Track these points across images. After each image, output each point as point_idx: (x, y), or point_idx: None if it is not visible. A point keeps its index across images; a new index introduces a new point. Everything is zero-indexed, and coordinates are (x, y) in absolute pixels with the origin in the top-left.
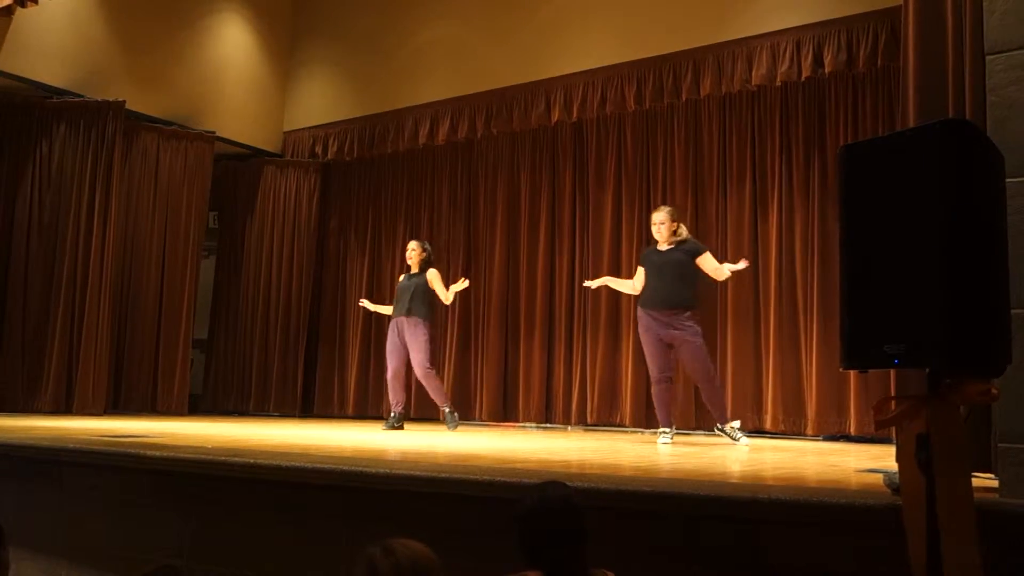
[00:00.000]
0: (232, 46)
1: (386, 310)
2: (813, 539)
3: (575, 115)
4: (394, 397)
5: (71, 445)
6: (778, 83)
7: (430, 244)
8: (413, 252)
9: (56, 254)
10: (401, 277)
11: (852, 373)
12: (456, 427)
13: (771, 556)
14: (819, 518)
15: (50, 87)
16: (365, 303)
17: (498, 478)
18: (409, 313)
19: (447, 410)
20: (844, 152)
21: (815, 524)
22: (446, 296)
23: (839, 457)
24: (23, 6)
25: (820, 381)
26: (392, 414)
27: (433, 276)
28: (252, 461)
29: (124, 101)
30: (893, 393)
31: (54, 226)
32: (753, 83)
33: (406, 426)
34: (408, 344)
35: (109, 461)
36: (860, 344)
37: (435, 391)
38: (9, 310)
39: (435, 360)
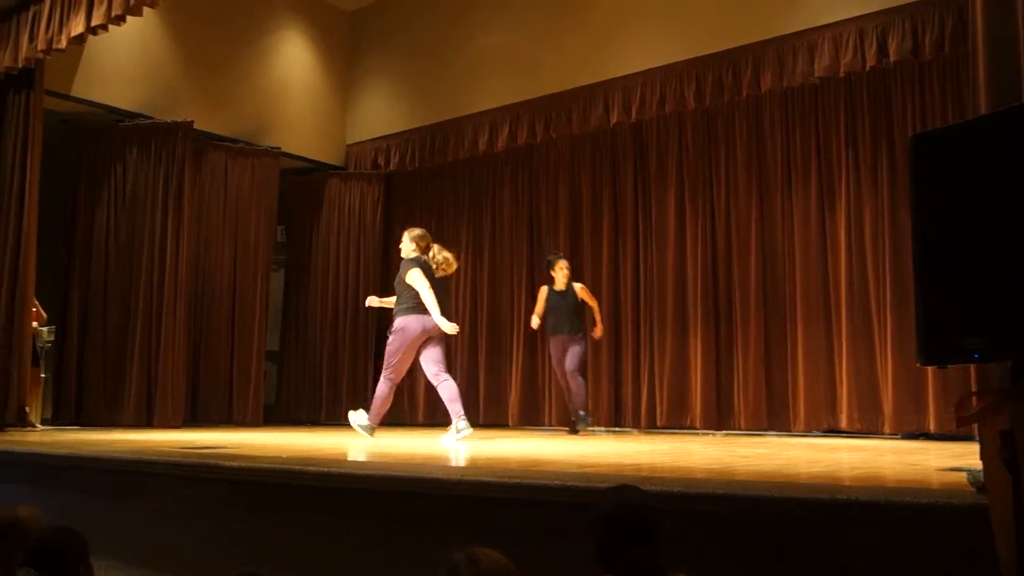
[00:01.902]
0: (293, 63)
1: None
2: (895, 540)
3: (634, 116)
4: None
5: (152, 457)
6: (842, 74)
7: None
8: (566, 270)
9: (133, 273)
10: (545, 290)
11: (930, 369)
12: (583, 431)
13: (851, 558)
14: (901, 519)
15: (122, 111)
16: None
17: (570, 483)
18: (576, 331)
19: (582, 413)
20: (914, 142)
21: (896, 525)
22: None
23: (919, 456)
24: (95, 34)
25: (896, 378)
26: (580, 415)
27: (581, 289)
28: (325, 470)
29: (192, 121)
30: (974, 388)
31: (130, 246)
32: (816, 75)
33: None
34: (567, 354)
35: (189, 472)
36: (937, 338)
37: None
38: (91, 329)
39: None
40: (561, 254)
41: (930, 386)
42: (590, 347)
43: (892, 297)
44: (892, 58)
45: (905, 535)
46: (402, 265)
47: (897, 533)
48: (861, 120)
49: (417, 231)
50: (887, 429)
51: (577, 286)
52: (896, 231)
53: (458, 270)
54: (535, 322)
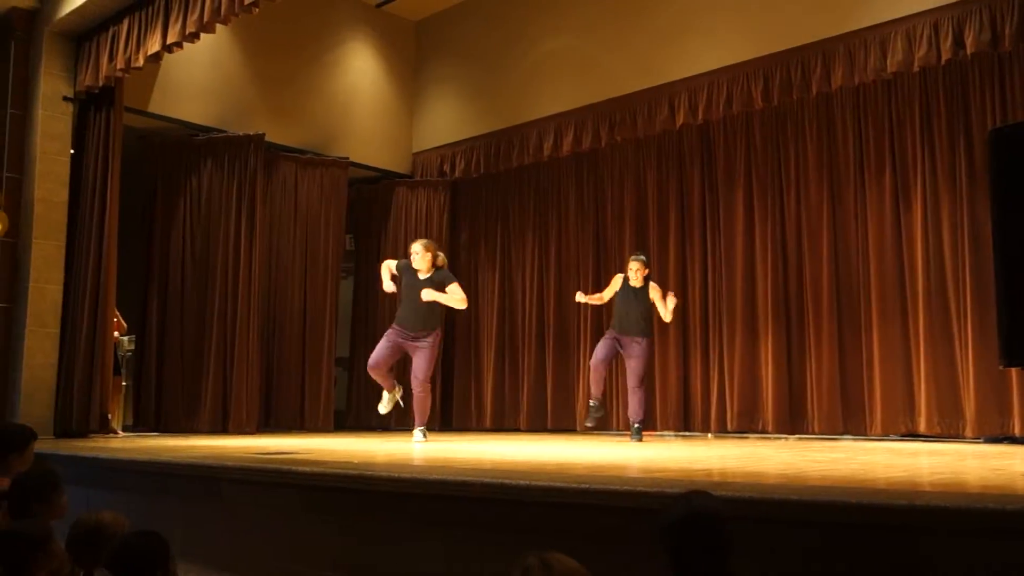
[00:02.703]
0: (360, 74)
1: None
2: (978, 548)
3: (700, 117)
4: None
5: (229, 463)
6: (916, 69)
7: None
8: (635, 271)
9: (208, 283)
10: (619, 279)
11: (1014, 371)
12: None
13: (933, 567)
14: (985, 526)
15: (196, 125)
16: (581, 296)
17: (640, 488)
18: (640, 334)
19: (637, 425)
20: (993, 136)
21: (980, 532)
22: (666, 314)
23: (1003, 460)
24: (170, 51)
25: (978, 380)
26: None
27: (652, 289)
28: (397, 475)
29: (264, 134)
30: None
31: (205, 257)
32: (888, 71)
33: (546, 437)
34: (637, 358)
35: (264, 477)
36: (1020, 340)
37: (640, 404)
38: (169, 338)
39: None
40: (638, 253)
41: (1015, 388)
42: (657, 349)
43: (973, 297)
44: (969, 51)
45: (990, 543)
46: (443, 275)
47: (981, 541)
48: (937, 116)
49: (430, 241)
50: (969, 433)
51: (651, 287)
52: (975, 229)
53: (525, 275)
54: (591, 298)
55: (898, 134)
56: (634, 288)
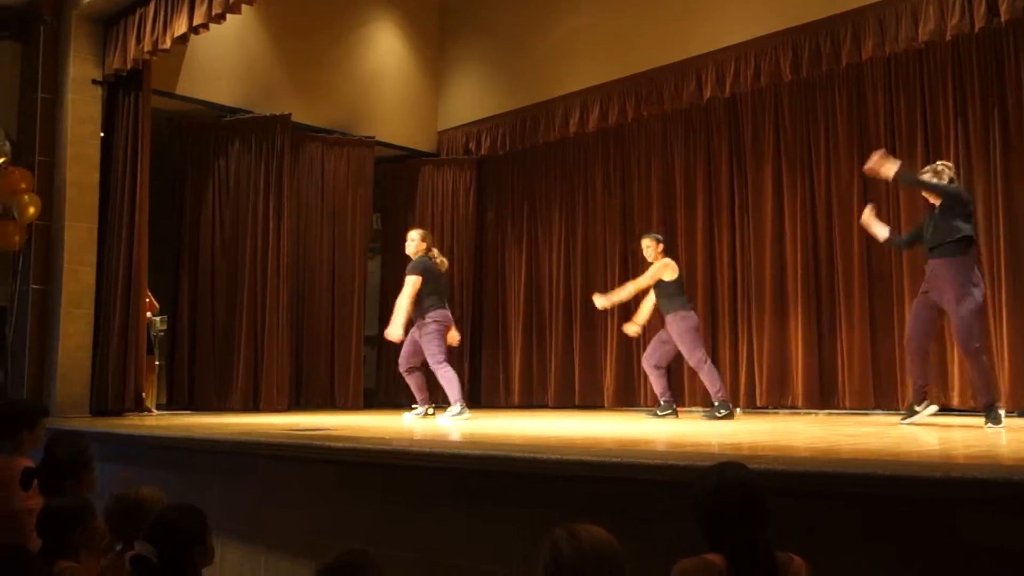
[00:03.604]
0: (385, 53)
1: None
2: (1013, 520)
3: (728, 91)
4: (657, 388)
5: (262, 439)
6: (948, 38)
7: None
8: (645, 249)
9: (238, 263)
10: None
11: None
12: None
13: (966, 538)
14: (1019, 497)
15: (224, 107)
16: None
17: (670, 461)
18: (665, 310)
19: (719, 401)
20: None
21: (1015, 504)
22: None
23: None
24: (196, 32)
25: (1012, 353)
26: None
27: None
28: (429, 450)
29: (290, 114)
30: None
31: (234, 238)
32: (920, 40)
33: (572, 413)
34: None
35: (296, 453)
36: None
37: (710, 380)
38: (200, 318)
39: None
40: (652, 231)
41: None
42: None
43: (1008, 271)
44: (1004, 18)
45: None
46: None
47: (1016, 512)
48: (970, 86)
49: (423, 231)
50: (1002, 407)
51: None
52: (1010, 201)
53: (551, 252)
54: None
55: (930, 106)
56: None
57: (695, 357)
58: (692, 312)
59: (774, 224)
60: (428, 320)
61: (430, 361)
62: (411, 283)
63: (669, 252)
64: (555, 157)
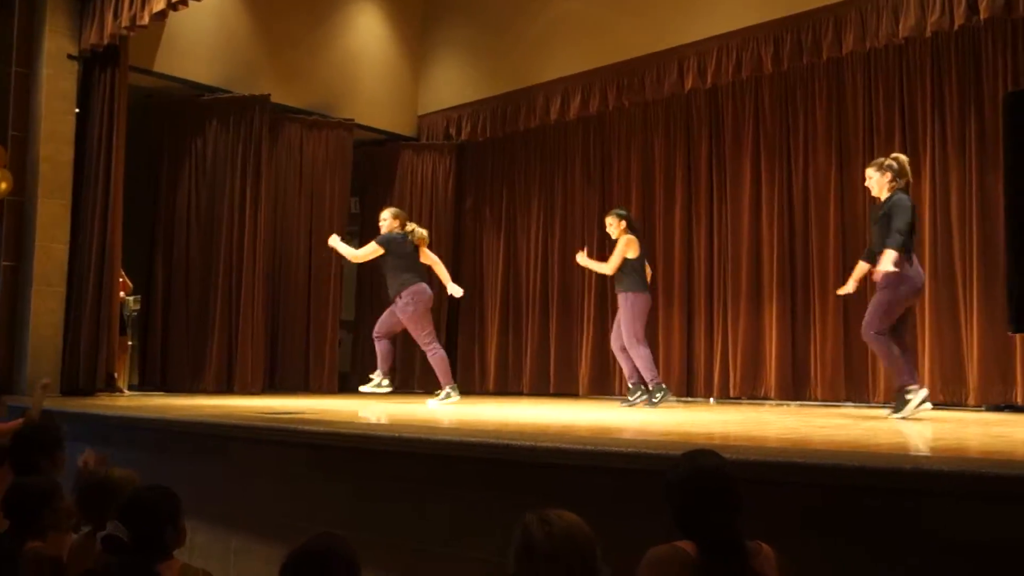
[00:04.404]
0: (366, 35)
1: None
2: (980, 512)
3: (709, 81)
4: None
5: (237, 422)
6: (928, 34)
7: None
8: (608, 227)
9: (213, 244)
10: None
11: (1019, 338)
12: (660, 403)
13: (933, 529)
14: (986, 490)
15: (202, 85)
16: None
17: (642, 450)
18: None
19: (635, 384)
20: (1009, 99)
21: (982, 496)
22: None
23: (1005, 427)
24: (175, 9)
25: (982, 348)
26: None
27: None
28: (403, 435)
29: (269, 95)
30: None
31: (210, 217)
32: (900, 36)
33: (544, 401)
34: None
35: (271, 436)
36: None
37: (646, 365)
38: (175, 298)
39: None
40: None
41: (1018, 357)
42: (661, 314)
43: (980, 265)
44: (983, 15)
45: (991, 507)
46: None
47: (982, 505)
48: (948, 82)
49: (395, 209)
50: (971, 401)
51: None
52: (984, 197)
53: (529, 239)
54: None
55: (908, 101)
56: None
57: (636, 338)
58: (648, 294)
59: (751, 215)
60: (405, 296)
61: (419, 342)
62: (369, 248)
63: (646, 239)
64: (535, 144)
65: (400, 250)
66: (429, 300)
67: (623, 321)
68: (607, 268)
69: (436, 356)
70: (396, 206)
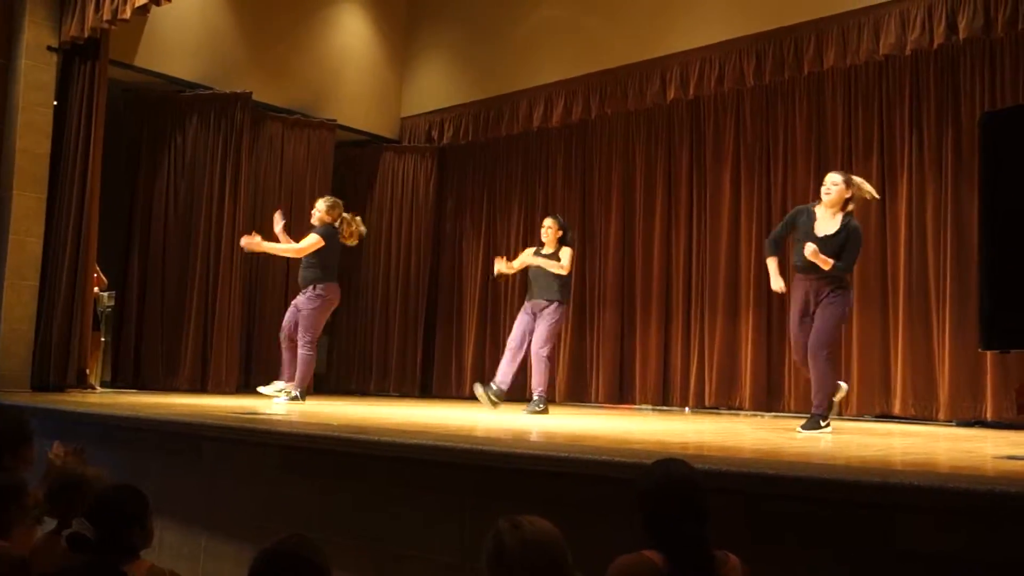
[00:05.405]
0: (351, 36)
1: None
2: (948, 527)
3: (692, 93)
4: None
5: (209, 421)
6: (908, 53)
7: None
8: (549, 230)
9: (190, 241)
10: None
11: (989, 355)
12: (540, 412)
13: (902, 543)
14: (954, 505)
15: (183, 81)
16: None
17: (616, 458)
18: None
19: (539, 395)
20: (985, 119)
21: (950, 511)
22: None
23: (974, 443)
24: (158, 4)
25: (953, 364)
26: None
27: (565, 255)
28: (375, 438)
29: (251, 92)
30: None
31: (188, 214)
32: (880, 53)
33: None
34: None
35: (243, 437)
36: (1001, 324)
37: (547, 375)
38: (150, 295)
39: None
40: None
41: (988, 373)
42: (638, 323)
43: (953, 282)
44: (962, 35)
45: (958, 521)
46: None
47: (950, 519)
48: (926, 100)
49: (332, 199)
50: (942, 416)
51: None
52: (959, 215)
53: (509, 244)
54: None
55: (887, 118)
56: (548, 253)
57: (548, 346)
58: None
59: (730, 226)
60: (319, 291)
61: (302, 334)
62: (311, 240)
63: (626, 247)
64: (517, 150)
65: (334, 244)
66: (335, 303)
67: (545, 328)
68: (562, 270)
69: (308, 357)
70: (376, 207)
